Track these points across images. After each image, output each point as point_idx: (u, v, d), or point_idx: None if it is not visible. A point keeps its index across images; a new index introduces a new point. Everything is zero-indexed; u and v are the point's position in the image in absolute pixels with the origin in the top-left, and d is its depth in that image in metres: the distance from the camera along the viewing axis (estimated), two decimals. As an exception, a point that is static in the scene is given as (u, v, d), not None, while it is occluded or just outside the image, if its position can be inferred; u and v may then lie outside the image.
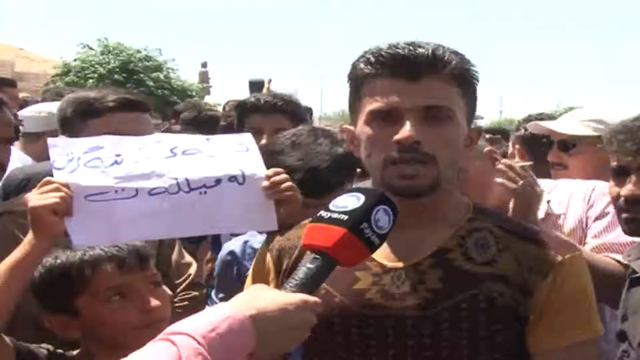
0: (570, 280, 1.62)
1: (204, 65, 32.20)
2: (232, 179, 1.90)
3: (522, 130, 4.12)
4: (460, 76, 1.62)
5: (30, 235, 1.82)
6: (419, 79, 1.59)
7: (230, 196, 1.89)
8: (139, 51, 28.31)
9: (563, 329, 1.60)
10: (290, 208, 1.92)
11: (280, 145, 2.41)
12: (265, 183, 1.91)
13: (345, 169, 2.39)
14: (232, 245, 2.68)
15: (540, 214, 2.74)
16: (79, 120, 2.35)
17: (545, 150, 3.96)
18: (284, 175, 1.94)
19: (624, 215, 2.22)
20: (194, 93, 27.49)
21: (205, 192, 1.88)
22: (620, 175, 2.22)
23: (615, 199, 2.25)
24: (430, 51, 1.60)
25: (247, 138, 2.05)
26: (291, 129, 3.28)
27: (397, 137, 1.57)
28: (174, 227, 1.89)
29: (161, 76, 27.83)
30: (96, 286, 1.92)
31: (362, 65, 1.64)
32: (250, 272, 1.86)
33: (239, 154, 1.98)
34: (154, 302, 1.93)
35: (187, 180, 1.88)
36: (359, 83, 1.65)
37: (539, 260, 1.62)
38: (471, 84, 1.66)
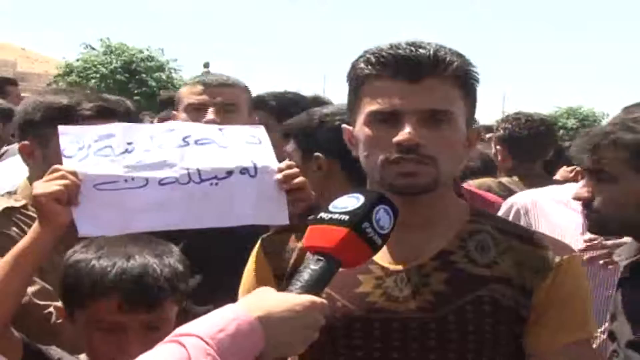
0: (568, 280, 1.61)
1: (206, 65, 32.09)
2: (244, 171, 1.90)
3: (501, 131, 4.14)
4: (461, 78, 1.60)
5: (36, 224, 1.80)
6: (420, 80, 1.56)
7: (241, 188, 1.88)
8: (141, 51, 28.38)
9: (559, 329, 1.59)
10: (298, 207, 1.91)
11: None
12: (279, 176, 1.91)
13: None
14: None
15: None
16: (48, 126, 2.14)
17: (526, 150, 3.98)
18: (296, 169, 1.94)
19: (585, 217, 2.26)
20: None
21: (216, 184, 1.87)
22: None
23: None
24: (431, 52, 1.57)
25: (259, 131, 2.04)
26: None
27: (396, 139, 1.55)
28: (186, 218, 1.86)
29: (163, 76, 27.91)
30: (90, 311, 1.80)
31: (362, 65, 1.61)
32: (244, 276, 1.77)
33: (251, 146, 1.97)
34: (133, 351, 1.60)
35: (198, 170, 1.87)
36: (359, 83, 1.62)
37: (538, 262, 1.60)
38: (472, 86, 1.64)
